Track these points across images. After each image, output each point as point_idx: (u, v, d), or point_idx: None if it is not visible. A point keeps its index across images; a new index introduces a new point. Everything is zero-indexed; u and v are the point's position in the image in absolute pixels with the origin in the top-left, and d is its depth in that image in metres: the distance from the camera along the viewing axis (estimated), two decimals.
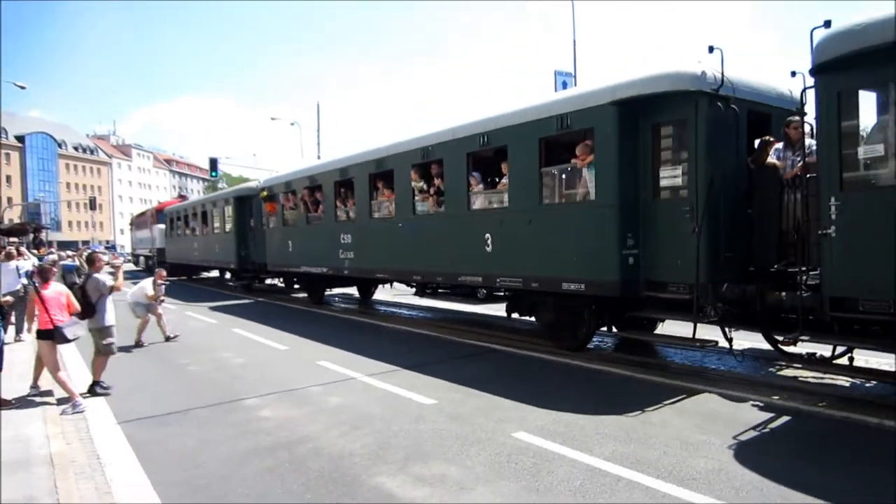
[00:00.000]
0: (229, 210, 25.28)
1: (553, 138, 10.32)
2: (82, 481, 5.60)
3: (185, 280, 34.56)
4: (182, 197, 54.65)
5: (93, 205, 68.85)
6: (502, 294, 13.45)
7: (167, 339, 13.31)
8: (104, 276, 9.24)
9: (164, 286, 14.09)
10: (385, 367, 9.83)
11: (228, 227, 25.34)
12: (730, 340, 8.48)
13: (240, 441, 6.62)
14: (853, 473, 5.31)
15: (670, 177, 8.94)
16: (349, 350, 11.37)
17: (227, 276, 30.24)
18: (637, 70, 9.21)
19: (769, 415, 6.85)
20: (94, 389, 8.83)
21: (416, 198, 13.43)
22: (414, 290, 15.32)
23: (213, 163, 40.73)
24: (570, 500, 4.90)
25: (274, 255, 20.83)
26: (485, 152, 11.80)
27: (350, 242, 15.96)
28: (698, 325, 8.40)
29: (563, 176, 10.34)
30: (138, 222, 47.12)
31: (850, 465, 5.48)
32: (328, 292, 20.70)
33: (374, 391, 8.50)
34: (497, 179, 11.70)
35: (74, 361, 11.13)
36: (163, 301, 13.87)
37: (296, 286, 22.32)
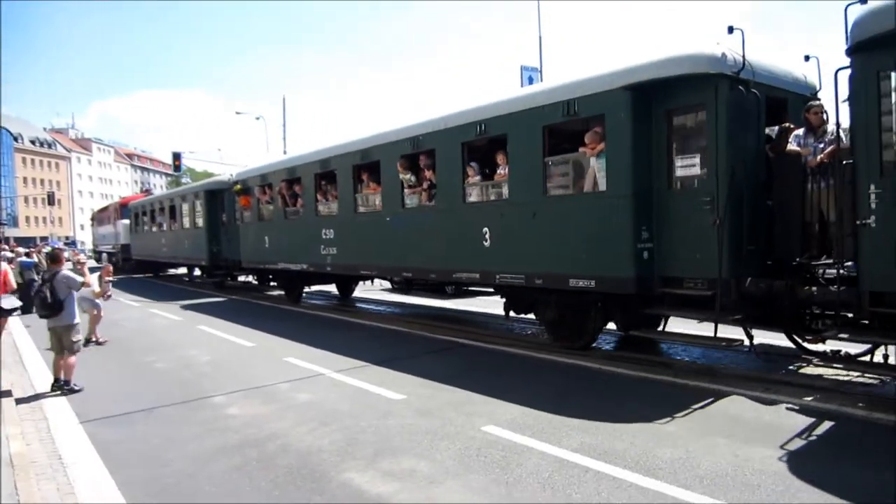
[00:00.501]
0: (200, 204, 24.60)
1: (558, 126, 9.97)
2: (44, 482, 5.67)
3: (151, 277, 34.23)
4: (147, 191, 53.20)
5: (51, 200, 67.72)
6: (475, 290, 13.33)
7: (93, 341, 12.72)
8: (73, 273, 9.13)
9: (110, 282, 13.99)
10: (354, 362, 9.95)
11: (199, 222, 24.81)
12: (751, 338, 8.34)
13: (207, 439, 6.76)
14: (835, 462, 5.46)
15: (687, 166, 8.61)
16: (318, 346, 11.56)
17: (196, 272, 29.84)
18: (650, 52, 8.95)
19: (810, 419, 6.58)
20: (62, 388, 8.70)
21: (406, 191, 13.04)
22: (395, 286, 15.07)
23: (177, 157, 40.16)
24: (538, 492, 5.05)
25: (249, 251, 20.43)
26: (480, 142, 11.46)
27: (332, 238, 15.48)
28: (705, 321, 8.27)
29: (570, 166, 9.96)
30: (100, 217, 46.33)
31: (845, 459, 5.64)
32: (306, 290, 20.40)
33: (343, 387, 8.66)
34: (487, 171, 11.55)
35: (34, 359, 10.95)
36: (109, 296, 13.68)
37: (272, 284, 21.97)
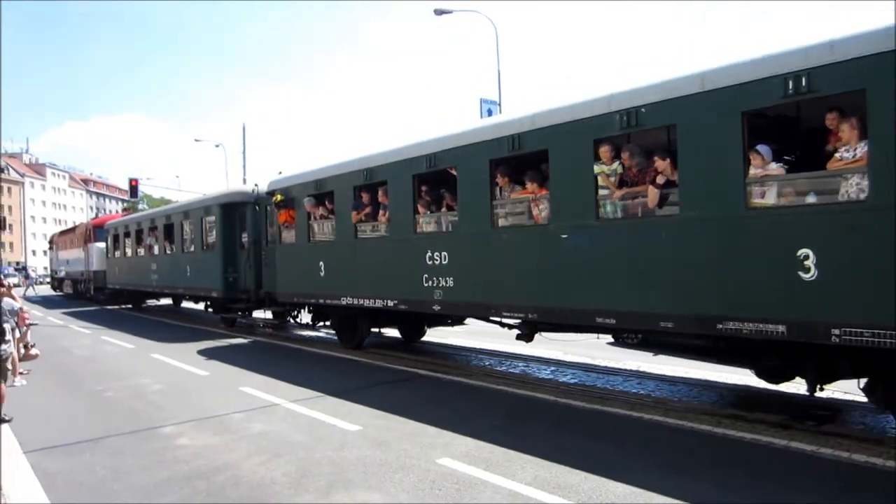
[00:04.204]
0: (211, 222, 20.03)
1: None
2: None
3: (131, 310, 29.32)
4: (127, 210, 49.28)
5: (2, 225, 65.58)
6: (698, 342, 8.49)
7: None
8: (9, 300, 8.93)
9: (30, 327, 12.91)
10: (310, 392, 9.80)
11: (211, 243, 20.18)
12: None
13: (155, 470, 6.56)
14: None
15: None
16: (273, 376, 11.29)
17: (190, 304, 25.93)
18: None
19: None
20: (1, 420, 8.37)
21: (606, 191, 8.68)
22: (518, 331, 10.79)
23: (134, 188, 39.33)
24: None
25: (291, 280, 15.68)
26: (779, 109, 7.49)
27: (445, 264, 11.02)
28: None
29: None
30: (62, 241, 41.91)
31: None
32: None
33: (298, 418, 8.49)
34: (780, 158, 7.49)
35: None
36: (33, 347, 12.32)
37: (310, 322, 16.38)
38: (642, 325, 8.49)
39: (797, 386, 8.45)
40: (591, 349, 12.15)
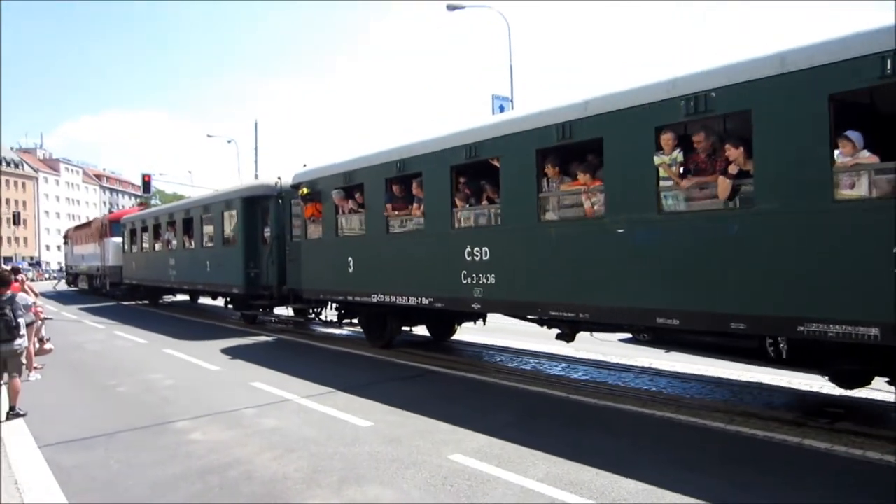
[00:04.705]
0: (233, 216, 19.57)
1: None
2: None
3: (147, 306, 28.91)
4: (143, 205, 48.66)
5: (16, 220, 66.23)
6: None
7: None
8: (24, 294, 9.03)
9: (46, 321, 13.02)
10: (322, 388, 9.83)
11: (232, 238, 19.69)
12: None
13: (168, 465, 6.59)
14: None
15: None
16: (285, 371, 11.31)
17: (202, 300, 25.91)
18: None
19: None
20: (16, 414, 8.45)
21: (665, 183, 7.98)
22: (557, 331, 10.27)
23: (147, 183, 39.49)
24: None
25: (318, 277, 15.07)
26: (863, 95, 6.85)
27: (487, 259, 10.33)
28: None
29: None
30: (77, 235, 41.43)
31: None
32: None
33: (310, 413, 8.52)
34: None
35: None
36: (47, 342, 12.63)
37: (336, 320, 15.86)
38: (710, 327, 7.72)
39: (808, 382, 8.41)
40: (603, 346, 12.12)
